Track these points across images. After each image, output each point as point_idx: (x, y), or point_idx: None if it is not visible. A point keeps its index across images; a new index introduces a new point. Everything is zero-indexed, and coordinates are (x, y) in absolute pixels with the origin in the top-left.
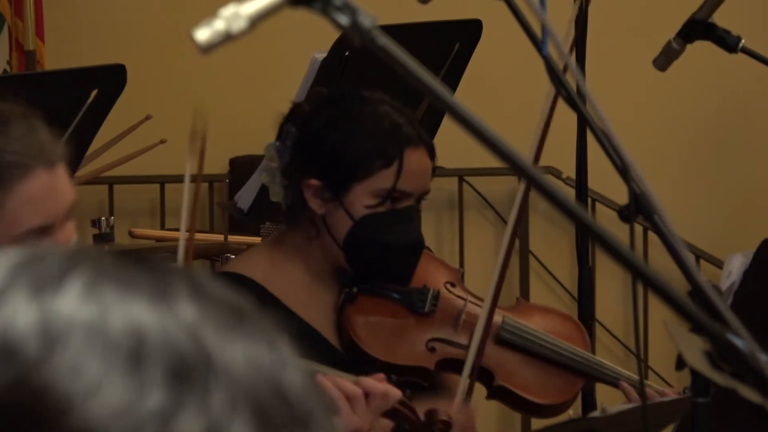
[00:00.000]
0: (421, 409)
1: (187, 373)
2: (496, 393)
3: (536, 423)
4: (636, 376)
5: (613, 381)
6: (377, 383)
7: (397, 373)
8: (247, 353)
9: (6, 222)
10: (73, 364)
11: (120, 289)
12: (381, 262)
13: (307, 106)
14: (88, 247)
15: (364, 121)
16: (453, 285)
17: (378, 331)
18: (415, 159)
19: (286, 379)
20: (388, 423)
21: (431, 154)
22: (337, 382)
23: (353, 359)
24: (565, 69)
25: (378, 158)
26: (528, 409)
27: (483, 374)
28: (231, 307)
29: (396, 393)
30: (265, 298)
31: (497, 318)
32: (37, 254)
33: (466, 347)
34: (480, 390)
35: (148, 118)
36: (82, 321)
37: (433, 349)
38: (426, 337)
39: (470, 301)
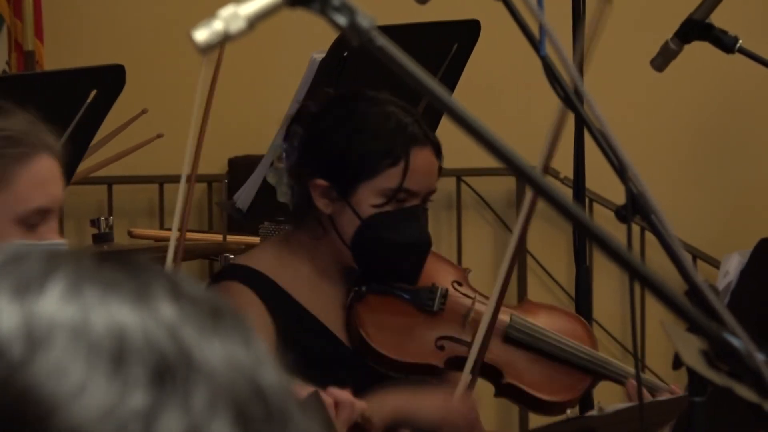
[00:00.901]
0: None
1: (169, 373)
2: (504, 391)
3: (533, 421)
4: (631, 369)
5: (618, 379)
6: (344, 393)
7: (405, 371)
8: (226, 352)
9: (14, 197)
10: (58, 365)
11: (101, 290)
12: (389, 261)
13: (313, 106)
14: (67, 248)
15: (371, 121)
16: (460, 284)
17: (387, 329)
18: (421, 158)
19: (263, 377)
20: None
21: (438, 153)
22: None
23: (362, 356)
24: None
25: (384, 157)
26: (535, 406)
27: (491, 372)
28: (208, 307)
29: (359, 406)
30: (273, 289)
31: (505, 317)
32: (17, 255)
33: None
34: (486, 387)
35: (144, 112)
36: (65, 322)
37: (442, 347)
38: (435, 335)
39: (478, 300)
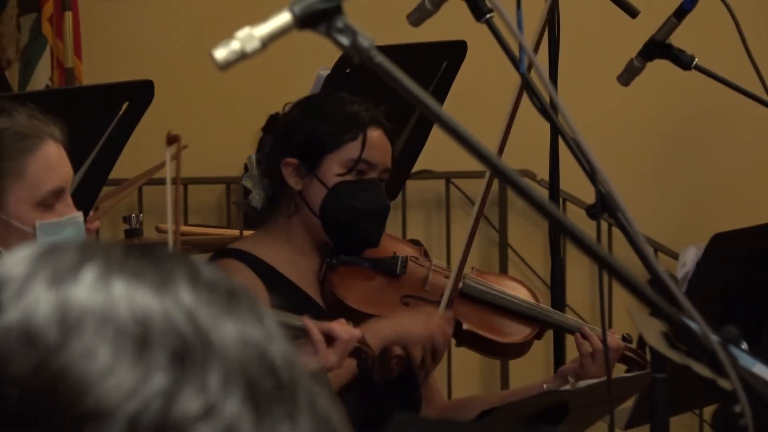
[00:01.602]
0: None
1: (188, 355)
2: (464, 338)
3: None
4: (573, 319)
5: (561, 326)
6: (342, 326)
7: None
8: (239, 331)
9: (30, 184)
10: (88, 349)
11: (128, 280)
12: (352, 224)
13: (279, 115)
14: (97, 241)
15: (330, 107)
16: (417, 258)
17: (359, 290)
18: (376, 135)
19: (273, 352)
20: (352, 361)
21: (389, 136)
22: (317, 325)
23: (340, 316)
24: (530, 68)
25: (345, 132)
26: (493, 350)
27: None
28: (224, 290)
29: (357, 333)
30: (262, 265)
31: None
32: (54, 247)
33: (435, 302)
34: (469, 358)
35: (182, 144)
36: (95, 309)
37: (407, 303)
38: (400, 294)
39: (433, 268)
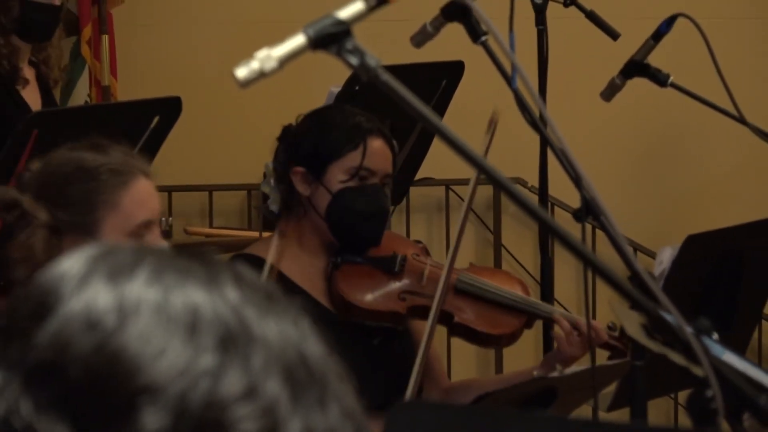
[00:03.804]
0: None
1: (232, 341)
2: (455, 329)
3: (508, 369)
4: (557, 310)
5: (548, 317)
6: None
7: (375, 318)
8: (278, 328)
9: (122, 217)
10: (143, 333)
11: (179, 276)
12: (355, 226)
13: (292, 126)
14: (149, 245)
15: (334, 120)
16: (418, 255)
17: (360, 287)
18: (376, 144)
19: (307, 349)
20: None
21: (390, 144)
22: None
23: (342, 312)
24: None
25: (347, 143)
26: (484, 340)
27: (444, 316)
28: (264, 292)
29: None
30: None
31: (455, 275)
32: (111, 248)
33: (430, 296)
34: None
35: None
36: (149, 300)
37: (403, 299)
38: (398, 290)
39: (431, 265)
